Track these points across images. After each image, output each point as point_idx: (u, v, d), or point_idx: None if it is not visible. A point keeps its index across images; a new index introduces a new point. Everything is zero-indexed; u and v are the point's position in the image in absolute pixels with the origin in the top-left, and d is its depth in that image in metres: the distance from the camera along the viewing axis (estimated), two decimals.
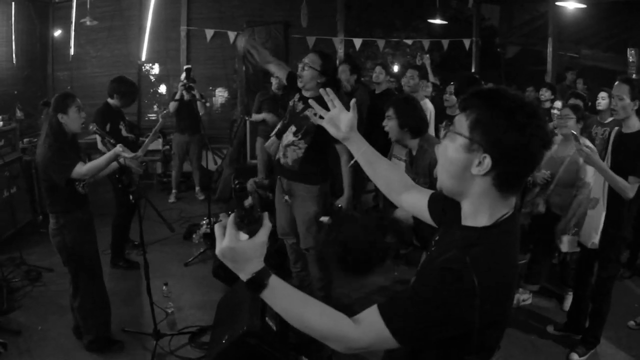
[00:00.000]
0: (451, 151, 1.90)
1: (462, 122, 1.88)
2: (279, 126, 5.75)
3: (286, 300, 1.85)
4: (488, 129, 1.81)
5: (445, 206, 2.21)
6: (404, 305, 1.78)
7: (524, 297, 6.33)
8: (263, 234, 1.82)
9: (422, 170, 5.11)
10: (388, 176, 2.56)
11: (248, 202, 1.77)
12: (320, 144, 5.23)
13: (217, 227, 1.84)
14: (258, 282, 1.80)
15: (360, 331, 1.79)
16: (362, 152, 2.52)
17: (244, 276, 1.81)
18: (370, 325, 1.79)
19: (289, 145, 5.28)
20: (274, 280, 1.82)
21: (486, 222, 1.90)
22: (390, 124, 5.16)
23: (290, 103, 5.46)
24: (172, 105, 9.31)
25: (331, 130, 2.53)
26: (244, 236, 1.79)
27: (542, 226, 5.97)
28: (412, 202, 2.48)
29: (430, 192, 2.44)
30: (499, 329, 1.93)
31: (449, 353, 1.88)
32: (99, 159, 4.78)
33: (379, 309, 1.80)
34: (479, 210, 1.92)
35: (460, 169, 1.88)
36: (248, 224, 1.80)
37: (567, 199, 5.68)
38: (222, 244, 1.79)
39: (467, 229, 1.94)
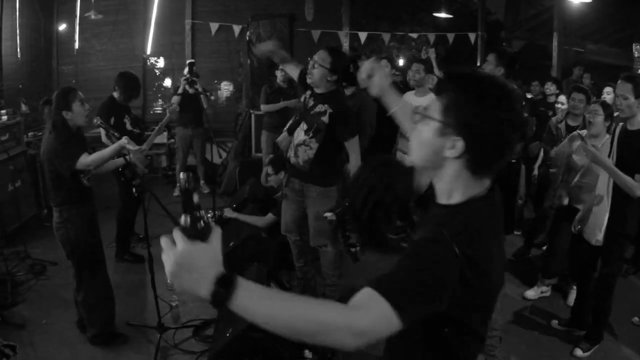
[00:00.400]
0: (424, 135, 1.91)
1: (433, 104, 1.88)
2: (290, 122, 5.74)
3: (267, 300, 1.60)
4: (460, 112, 1.80)
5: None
6: (396, 278, 1.70)
7: (542, 289, 6.33)
8: (216, 238, 1.63)
9: None
10: None
11: (196, 197, 1.62)
12: (332, 143, 5.23)
13: (163, 240, 1.61)
14: (227, 283, 1.54)
15: (360, 311, 1.61)
16: (399, 107, 2.63)
17: (208, 283, 1.54)
18: (366, 300, 1.63)
19: (300, 145, 5.27)
20: (244, 280, 1.57)
21: (459, 200, 1.92)
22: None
23: (302, 99, 5.46)
24: (175, 99, 9.29)
25: (369, 86, 2.61)
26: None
27: (563, 220, 5.95)
28: None
29: None
30: (482, 313, 1.95)
31: (438, 339, 1.89)
32: (104, 150, 4.78)
33: (373, 287, 1.64)
34: (452, 190, 1.93)
35: (433, 152, 1.89)
36: (195, 232, 1.59)
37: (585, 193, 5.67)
38: (176, 250, 1.58)
39: (442, 206, 1.96)
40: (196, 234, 1.57)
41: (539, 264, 6.97)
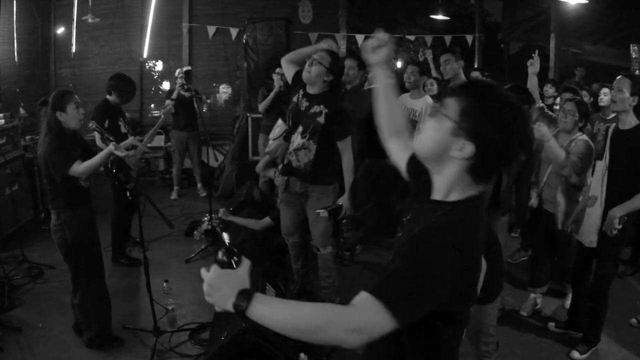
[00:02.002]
0: (436, 131, 1.97)
1: (452, 106, 1.93)
2: (282, 130, 5.73)
3: (277, 307, 1.86)
4: (477, 120, 1.87)
5: (419, 170, 2.26)
6: (392, 281, 1.82)
7: (534, 302, 6.15)
8: (245, 266, 1.94)
9: None
10: (391, 115, 2.65)
11: (225, 236, 1.93)
12: (328, 143, 5.26)
13: (202, 270, 1.95)
14: (246, 295, 1.82)
15: (353, 311, 1.78)
16: (384, 84, 2.63)
17: (231, 298, 1.84)
18: (362, 303, 1.78)
19: (299, 149, 5.28)
20: (260, 295, 1.85)
21: (456, 198, 2.00)
22: None
23: (294, 99, 5.46)
24: (169, 103, 9.33)
25: (368, 54, 2.59)
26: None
27: (537, 225, 5.96)
28: (395, 149, 2.58)
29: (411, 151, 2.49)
30: (467, 305, 2.04)
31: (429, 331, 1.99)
32: (94, 157, 4.78)
33: (369, 291, 1.78)
34: (451, 189, 2.01)
35: (441, 149, 1.96)
36: (230, 264, 1.94)
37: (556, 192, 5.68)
38: (209, 274, 1.91)
39: (438, 202, 2.03)
40: (229, 265, 1.93)
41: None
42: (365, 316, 1.76)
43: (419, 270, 1.79)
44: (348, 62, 6.93)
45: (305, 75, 5.22)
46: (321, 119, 5.16)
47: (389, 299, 1.75)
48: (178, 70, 10.11)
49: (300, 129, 5.29)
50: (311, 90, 5.30)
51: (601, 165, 5.07)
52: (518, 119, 1.89)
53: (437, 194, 2.05)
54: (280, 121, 6.33)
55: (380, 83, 2.62)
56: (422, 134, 2.04)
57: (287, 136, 5.56)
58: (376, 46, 2.54)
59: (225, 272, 1.90)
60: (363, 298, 1.78)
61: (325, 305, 1.87)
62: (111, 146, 4.72)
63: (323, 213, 5.38)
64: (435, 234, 1.88)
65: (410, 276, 1.79)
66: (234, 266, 1.93)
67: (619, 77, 4.86)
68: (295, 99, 5.44)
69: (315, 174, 5.33)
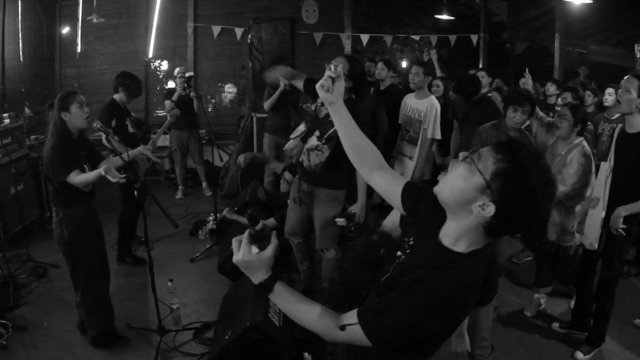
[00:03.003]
0: (465, 181, 1.96)
1: (488, 161, 1.91)
2: (301, 131, 5.72)
3: (288, 302, 2.20)
4: (508, 188, 1.86)
5: (419, 198, 2.31)
6: (379, 314, 2.01)
7: (538, 303, 6.16)
8: (270, 249, 2.15)
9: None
10: (363, 150, 2.59)
11: (259, 226, 2.05)
12: (342, 150, 5.24)
13: (234, 241, 2.18)
14: (266, 287, 2.16)
15: (342, 333, 2.08)
16: (344, 121, 2.56)
17: (255, 281, 2.17)
18: (350, 329, 2.05)
19: (312, 150, 5.29)
20: (279, 286, 2.18)
21: (463, 250, 2.02)
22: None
23: (312, 107, 5.46)
24: (168, 104, 9.39)
25: (321, 93, 2.52)
26: (255, 250, 2.15)
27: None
28: (385, 183, 2.53)
29: (404, 179, 2.49)
30: (446, 337, 2.17)
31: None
32: (89, 174, 4.73)
33: (358, 316, 2.05)
34: (460, 238, 2.03)
35: (464, 200, 1.96)
36: (259, 240, 2.17)
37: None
38: (237, 256, 2.15)
39: (444, 249, 2.06)
40: (260, 238, 2.17)
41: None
42: (351, 340, 2.09)
43: (413, 312, 1.93)
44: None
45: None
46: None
47: (377, 336, 2.00)
48: (177, 70, 10.13)
49: (317, 133, 5.30)
50: None
51: (605, 167, 5.02)
52: (549, 201, 1.89)
53: (446, 238, 2.08)
54: (302, 125, 6.36)
55: (341, 121, 2.58)
56: (449, 179, 2.03)
57: (304, 137, 5.55)
58: (330, 84, 2.49)
59: (252, 256, 2.13)
60: (354, 327, 2.04)
61: (324, 318, 2.14)
62: (101, 170, 4.68)
63: (341, 222, 5.41)
64: (438, 283, 1.94)
65: (401, 317, 1.96)
66: (262, 248, 2.16)
67: (627, 77, 4.74)
68: (313, 106, 5.44)
69: (323, 176, 5.32)
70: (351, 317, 2.07)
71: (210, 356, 4.72)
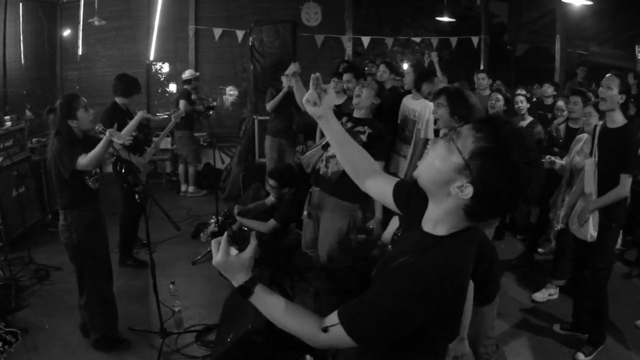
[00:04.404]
0: (443, 161, 1.89)
1: (468, 139, 1.84)
2: (324, 140, 5.74)
3: (269, 305, 2.11)
4: (488, 167, 1.79)
5: (410, 195, 2.29)
6: (360, 312, 1.93)
7: (550, 291, 6.36)
8: (249, 250, 2.11)
9: None
10: (356, 159, 2.59)
11: (235, 225, 2.04)
12: None
13: (213, 243, 2.14)
14: (246, 289, 2.09)
15: (325, 335, 1.99)
16: (335, 132, 2.54)
17: (235, 283, 2.11)
18: (333, 330, 1.96)
19: (332, 157, 5.30)
20: (259, 288, 2.10)
21: (443, 232, 1.97)
22: (440, 112, 5.12)
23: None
24: (183, 104, 9.56)
25: (308, 108, 2.48)
26: (234, 251, 2.11)
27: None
28: (378, 188, 2.53)
29: (395, 179, 2.49)
30: (446, 328, 2.04)
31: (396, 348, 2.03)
32: (95, 148, 4.76)
33: (339, 316, 1.96)
34: (440, 222, 1.98)
35: (442, 181, 1.89)
36: (238, 241, 2.12)
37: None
38: (215, 258, 2.10)
39: (424, 234, 2.02)
40: (239, 239, 2.13)
41: (544, 268, 7.01)
42: (335, 342, 1.99)
43: (395, 304, 1.85)
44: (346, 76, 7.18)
45: (355, 100, 5.33)
46: (364, 137, 5.20)
47: (361, 334, 1.92)
48: (189, 73, 10.23)
49: None
50: (357, 114, 5.38)
51: (590, 163, 5.15)
52: (527, 179, 1.80)
53: (427, 224, 2.03)
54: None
55: (332, 133, 2.54)
56: (428, 159, 1.98)
57: (325, 145, 5.56)
58: (316, 97, 2.45)
59: (231, 258, 2.08)
60: (336, 327, 1.95)
61: (306, 321, 2.06)
62: (107, 133, 4.70)
63: (361, 237, 5.44)
64: (417, 267, 1.87)
65: (383, 309, 1.87)
66: (243, 243, 2.12)
67: (608, 75, 4.95)
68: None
69: (338, 185, 5.31)
70: (333, 318, 1.98)
71: (212, 359, 4.73)
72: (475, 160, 1.80)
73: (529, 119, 7.38)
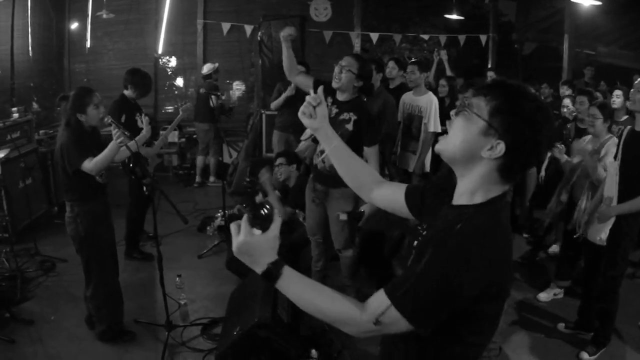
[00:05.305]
0: (466, 130, 1.93)
1: (481, 105, 1.89)
2: (310, 132, 5.76)
3: (299, 288, 1.97)
4: (509, 118, 1.85)
5: (424, 195, 2.28)
6: (409, 286, 1.81)
7: (555, 291, 6.37)
8: (274, 228, 1.95)
9: None
10: (358, 173, 2.58)
11: (258, 198, 1.93)
12: (355, 149, 5.29)
13: (232, 226, 1.97)
14: (273, 272, 1.93)
15: (369, 315, 1.85)
16: (334, 146, 2.50)
17: (260, 268, 1.94)
18: (378, 309, 1.84)
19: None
20: (287, 270, 1.95)
21: (481, 200, 1.96)
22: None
23: None
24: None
25: (304, 121, 2.47)
26: (257, 231, 1.94)
27: (567, 221, 5.98)
28: (386, 196, 2.50)
29: (403, 185, 2.45)
30: (497, 302, 1.98)
31: (448, 331, 1.92)
32: (102, 154, 4.77)
33: (387, 293, 1.85)
34: (476, 191, 1.97)
35: (471, 149, 1.91)
36: (260, 221, 1.94)
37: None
38: (237, 239, 1.93)
39: (461, 207, 1.99)
40: (261, 218, 1.94)
41: (548, 267, 7.00)
42: (386, 324, 1.84)
43: (445, 271, 1.78)
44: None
45: (335, 83, 5.25)
46: (350, 126, 5.19)
47: (411, 311, 1.81)
48: (207, 68, 10.35)
49: None
50: (341, 97, 5.33)
51: (614, 166, 5.04)
52: (548, 120, 1.89)
53: (461, 198, 2.02)
54: None
55: (330, 146, 2.51)
56: (451, 135, 1.99)
57: (315, 138, 5.58)
58: (312, 110, 2.44)
59: (254, 238, 1.93)
60: (382, 303, 1.84)
61: (345, 302, 1.92)
62: (115, 139, 4.70)
63: (342, 216, 5.41)
64: (462, 234, 1.84)
65: (432, 280, 1.79)
66: (267, 223, 1.96)
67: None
68: None
69: (338, 177, 5.32)
70: (379, 297, 1.86)
71: (218, 352, 4.72)
72: (496, 117, 1.86)
73: None
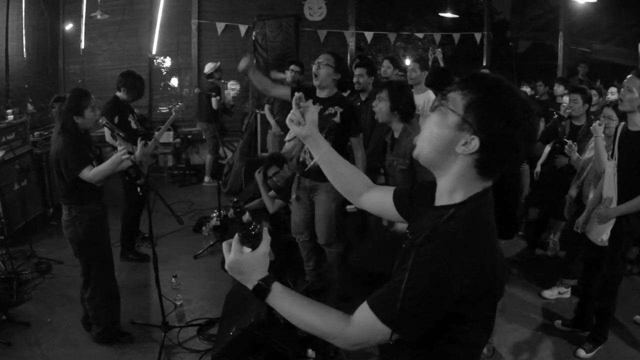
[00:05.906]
0: (440, 126, 1.89)
1: (457, 100, 1.85)
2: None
3: (288, 303, 1.98)
4: (484, 113, 1.80)
5: (412, 196, 2.27)
6: (391, 297, 1.78)
7: (561, 289, 6.38)
8: (264, 246, 1.99)
9: (402, 152, 5.02)
10: (348, 177, 2.55)
11: (246, 217, 1.93)
12: (342, 141, 5.32)
13: (224, 245, 2.04)
14: (263, 288, 1.96)
15: (355, 329, 1.87)
16: (323, 151, 2.47)
17: (251, 284, 1.98)
18: (364, 322, 1.85)
19: None
20: (277, 287, 1.98)
21: (461, 199, 1.92)
22: (380, 105, 5.13)
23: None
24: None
25: (293, 128, 2.43)
26: (247, 249, 1.99)
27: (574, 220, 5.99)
28: (375, 200, 2.48)
29: (391, 188, 2.43)
30: (488, 301, 1.92)
31: (441, 334, 1.90)
32: (104, 164, 4.76)
33: (369, 305, 1.84)
34: (456, 188, 1.93)
35: (445, 145, 1.87)
36: (250, 239, 1.99)
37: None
38: (229, 258, 1.98)
39: (442, 207, 1.96)
40: (251, 237, 1.98)
41: (545, 264, 7.01)
42: (367, 336, 1.87)
43: (425, 282, 1.75)
44: (357, 71, 7.03)
45: (315, 81, 5.32)
46: (337, 119, 5.23)
47: (397, 320, 1.78)
48: (209, 67, 10.38)
49: None
50: (322, 94, 5.38)
51: (611, 165, 5.03)
52: (527, 114, 1.80)
53: (442, 198, 1.98)
54: None
55: (320, 152, 2.48)
56: (425, 131, 1.96)
57: None
58: (300, 116, 2.40)
59: (245, 256, 1.97)
60: (366, 317, 1.84)
61: (331, 317, 1.94)
62: (118, 154, 4.69)
63: (352, 209, 5.43)
64: (445, 233, 1.82)
65: (415, 292, 1.76)
66: (254, 246, 1.99)
67: (629, 76, 4.76)
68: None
69: None
70: (362, 311, 1.85)
71: (214, 352, 4.72)
72: (471, 112, 1.81)
73: None
